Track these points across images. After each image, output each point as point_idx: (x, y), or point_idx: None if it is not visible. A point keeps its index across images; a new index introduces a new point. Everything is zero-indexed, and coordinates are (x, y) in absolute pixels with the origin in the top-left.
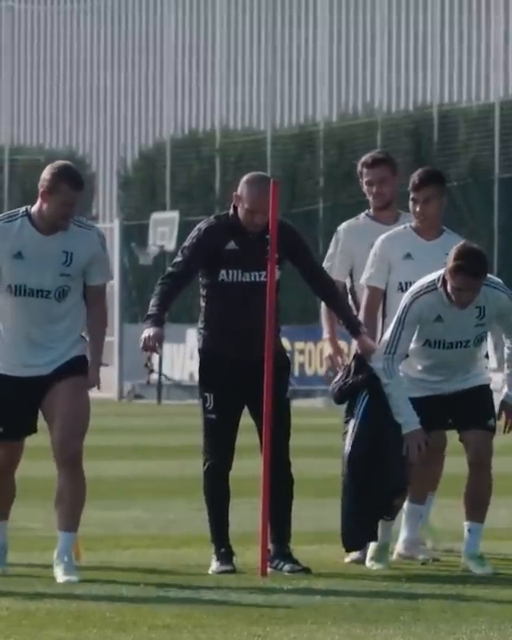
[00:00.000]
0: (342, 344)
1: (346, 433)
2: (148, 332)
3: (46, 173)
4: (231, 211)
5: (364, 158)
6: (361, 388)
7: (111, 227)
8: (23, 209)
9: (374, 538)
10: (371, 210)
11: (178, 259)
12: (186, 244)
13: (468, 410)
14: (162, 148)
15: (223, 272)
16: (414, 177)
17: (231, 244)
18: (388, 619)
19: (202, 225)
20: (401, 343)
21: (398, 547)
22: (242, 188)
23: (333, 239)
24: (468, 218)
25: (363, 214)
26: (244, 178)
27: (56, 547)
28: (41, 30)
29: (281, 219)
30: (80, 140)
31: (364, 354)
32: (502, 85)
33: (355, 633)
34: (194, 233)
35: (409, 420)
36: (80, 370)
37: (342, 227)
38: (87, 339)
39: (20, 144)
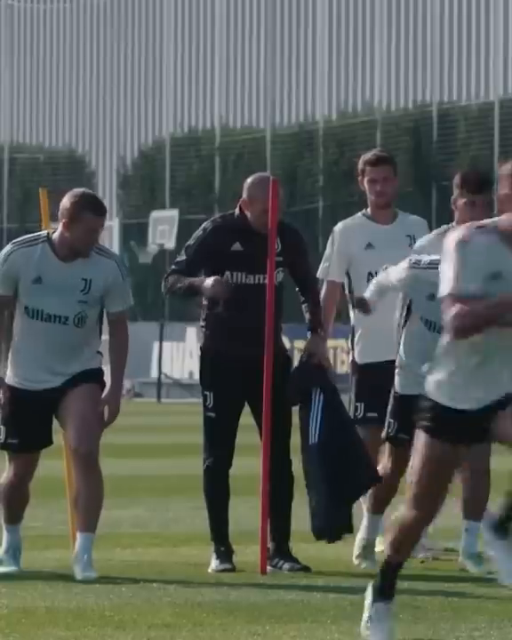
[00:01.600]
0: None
1: (304, 428)
2: (209, 281)
3: (67, 202)
4: (237, 211)
5: (366, 156)
6: (313, 387)
7: (111, 225)
8: (44, 234)
9: (350, 528)
10: (368, 209)
11: (181, 258)
12: (190, 243)
13: None
14: (161, 147)
15: (228, 274)
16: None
17: (237, 246)
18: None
19: (207, 225)
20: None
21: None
22: (252, 191)
23: (330, 239)
24: None
25: (359, 214)
26: (250, 180)
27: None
28: (41, 28)
29: (285, 220)
30: (79, 138)
31: (312, 351)
32: (502, 84)
33: (354, 631)
34: (199, 232)
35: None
36: (94, 379)
37: (338, 227)
38: (102, 354)
39: (20, 142)
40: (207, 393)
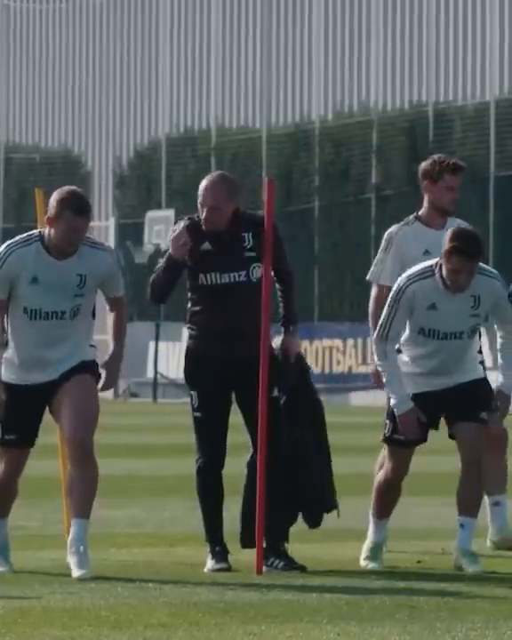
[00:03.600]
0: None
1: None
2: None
3: (52, 199)
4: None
5: (444, 162)
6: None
7: (107, 225)
8: (36, 233)
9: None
10: (423, 212)
11: (159, 264)
12: (167, 248)
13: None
14: (157, 147)
15: (202, 276)
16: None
17: (206, 245)
18: (384, 617)
19: (175, 226)
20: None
21: (493, 536)
22: (199, 190)
23: (384, 243)
24: (463, 216)
25: (412, 218)
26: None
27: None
28: (36, 28)
29: (258, 213)
30: (75, 138)
31: (285, 349)
32: (498, 84)
33: (350, 631)
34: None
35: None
36: (89, 370)
37: (394, 231)
38: (96, 347)
39: (16, 142)
40: (192, 393)
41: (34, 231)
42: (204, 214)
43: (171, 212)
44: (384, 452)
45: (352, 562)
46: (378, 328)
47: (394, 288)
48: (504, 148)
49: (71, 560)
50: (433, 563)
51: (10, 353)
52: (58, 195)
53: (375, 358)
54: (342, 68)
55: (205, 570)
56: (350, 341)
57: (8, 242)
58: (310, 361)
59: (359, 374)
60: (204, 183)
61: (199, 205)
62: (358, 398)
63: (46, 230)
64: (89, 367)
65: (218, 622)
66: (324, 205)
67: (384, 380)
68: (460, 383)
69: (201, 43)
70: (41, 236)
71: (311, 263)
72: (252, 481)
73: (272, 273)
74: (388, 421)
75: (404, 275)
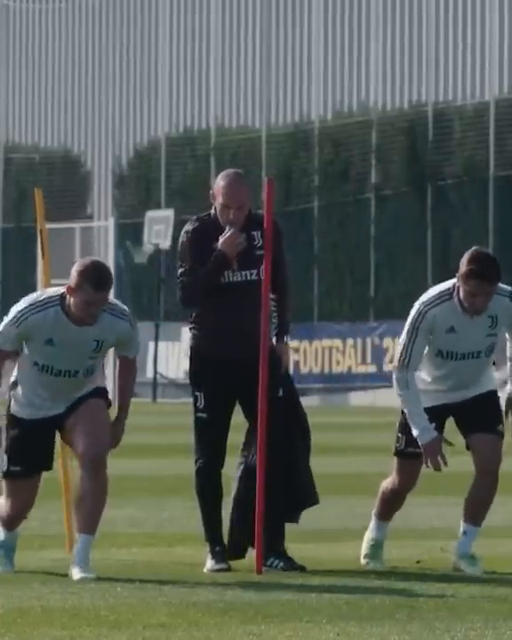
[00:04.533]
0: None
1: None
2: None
3: (73, 269)
4: (213, 210)
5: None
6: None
7: (106, 225)
8: (57, 296)
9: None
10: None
11: (183, 268)
12: (182, 250)
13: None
14: (157, 147)
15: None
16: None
17: (217, 244)
18: (384, 617)
19: (188, 227)
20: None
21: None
22: (216, 185)
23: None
24: (462, 216)
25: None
26: (219, 175)
27: (74, 547)
28: (36, 28)
29: (261, 213)
30: (75, 138)
31: (280, 357)
32: (497, 84)
33: (350, 631)
34: (183, 238)
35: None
36: (100, 395)
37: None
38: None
39: (15, 142)
40: (197, 394)
41: (55, 293)
42: (230, 214)
43: (170, 212)
44: (394, 464)
45: (351, 562)
46: (399, 357)
47: (412, 314)
48: (503, 148)
49: (74, 569)
50: (432, 563)
51: (19, 392)
52: (79, 266)
53: (396, 388)
54: (342, 67)
55: (205, 570)
56: (350, 341)
57: (29, 303)
58: (310, 361)
59: (358, 374)
60: (223, 182)
61: (219, 205)
62: (357, 398)
63: (67, 295)
64: (100, 393)
65: (217, 622)
66: (323, 205)
67: (405, 410)
68: (476, 395)
69: (200, 42)
70: (61, 300)
71: (310, 263)
72: (247, 487)
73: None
74: (400, 435)
75: (422, 300)
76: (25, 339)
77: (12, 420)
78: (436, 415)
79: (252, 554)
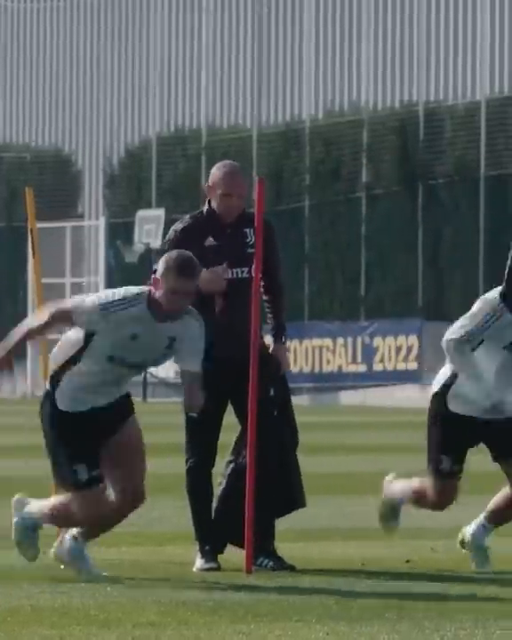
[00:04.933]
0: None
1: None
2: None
3: (160, 261)
4: (206, 207)
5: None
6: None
7: (97, 224)
8: (145, 293)
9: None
10: None
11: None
12: (167, 248)
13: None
14: (148, 146)
15: (206, 271)
16: None
17: (210, 240)
18: (373, 616)
19: (177, 226)
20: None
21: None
22: (213, 176)
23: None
24: (453, 216)
25: None
26: (214, 167)
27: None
28: (27, 28)
29: (253, 211)
30: (66, 137)
31: (278, 359)
32: (488, 83)
33: (339, 630)
34: (170, 235)
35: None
36: (132, 408)
37: None
38: None
39: (6, 141)
40: None
41: (143, 291)
42: (232, 202)
43: (161, 212)
44: (429, 482)
45: (341, 561)
46: (463, 330)
47: (492, 302)
48: (494, 148)
49: (80, 563)
50: (422, 562)
51: (75, 387)
52: (165, 256)
53: (455, 355)
54: (333, 67)
55: (194, 569)
56: (340, 340)
57: (122, 296)
58: (300, 360)
59: (349, 373)
60: (220, 172)
61: (219, 195)
62: (348, 397)
63: (153, 290)
64: (131, 404)
65: (207, 621)
66: (314, 204)
67: (464, 375)
68: (509, 418)
69: (192, 42)
70: (148, 297)
71: (301, 262)
72: (235, 486)
73: (262, 283)
74: (443, 457)
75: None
76: (95, 329)
77: (60, 420)
78: (463, 438)
79: (238, 552)
